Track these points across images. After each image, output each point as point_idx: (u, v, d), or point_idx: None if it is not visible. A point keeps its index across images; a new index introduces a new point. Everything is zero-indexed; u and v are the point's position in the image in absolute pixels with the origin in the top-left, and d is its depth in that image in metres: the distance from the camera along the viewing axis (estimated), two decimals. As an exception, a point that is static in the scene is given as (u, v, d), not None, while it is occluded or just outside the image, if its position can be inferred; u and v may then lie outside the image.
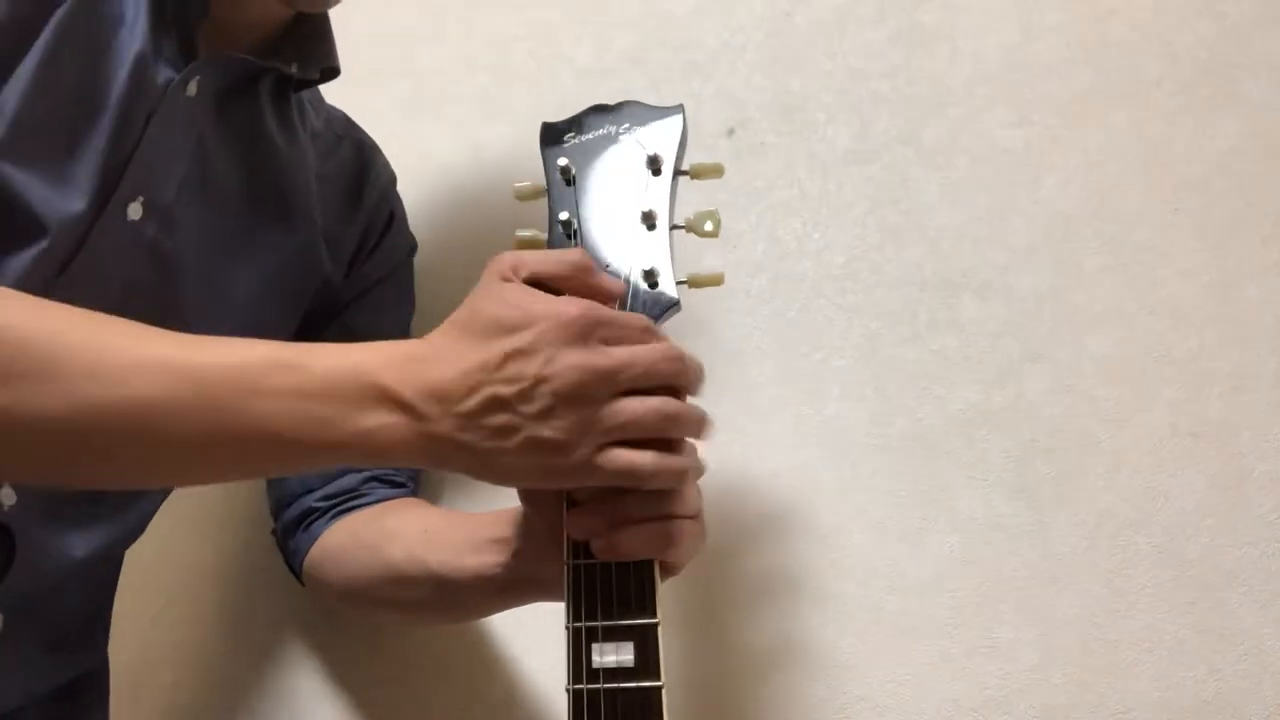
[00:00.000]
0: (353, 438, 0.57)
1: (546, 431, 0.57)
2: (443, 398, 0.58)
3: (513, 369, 0.58)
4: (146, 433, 0.56)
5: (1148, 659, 0.76)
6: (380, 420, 0.58)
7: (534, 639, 0.88)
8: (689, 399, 0.63)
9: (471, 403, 0.58)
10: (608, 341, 0.60)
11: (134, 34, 0.68)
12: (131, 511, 0.78)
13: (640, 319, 0.63)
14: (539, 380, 0.57)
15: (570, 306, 0.59)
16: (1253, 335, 0.79)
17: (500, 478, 0.61)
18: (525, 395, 0.57)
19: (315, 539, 0.85)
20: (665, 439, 0.61)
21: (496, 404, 0.57)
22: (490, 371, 0.58)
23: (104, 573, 0.80)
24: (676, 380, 0.61)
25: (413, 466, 0.61)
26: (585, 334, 0.59)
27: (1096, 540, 0.79)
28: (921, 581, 0.81)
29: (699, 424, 0.62)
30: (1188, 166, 0.83)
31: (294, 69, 0.79)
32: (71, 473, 0.59)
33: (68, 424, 0.54)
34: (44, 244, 0.64)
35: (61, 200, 0.65)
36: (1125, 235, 0.83)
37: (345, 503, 0.86)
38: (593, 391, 0.58)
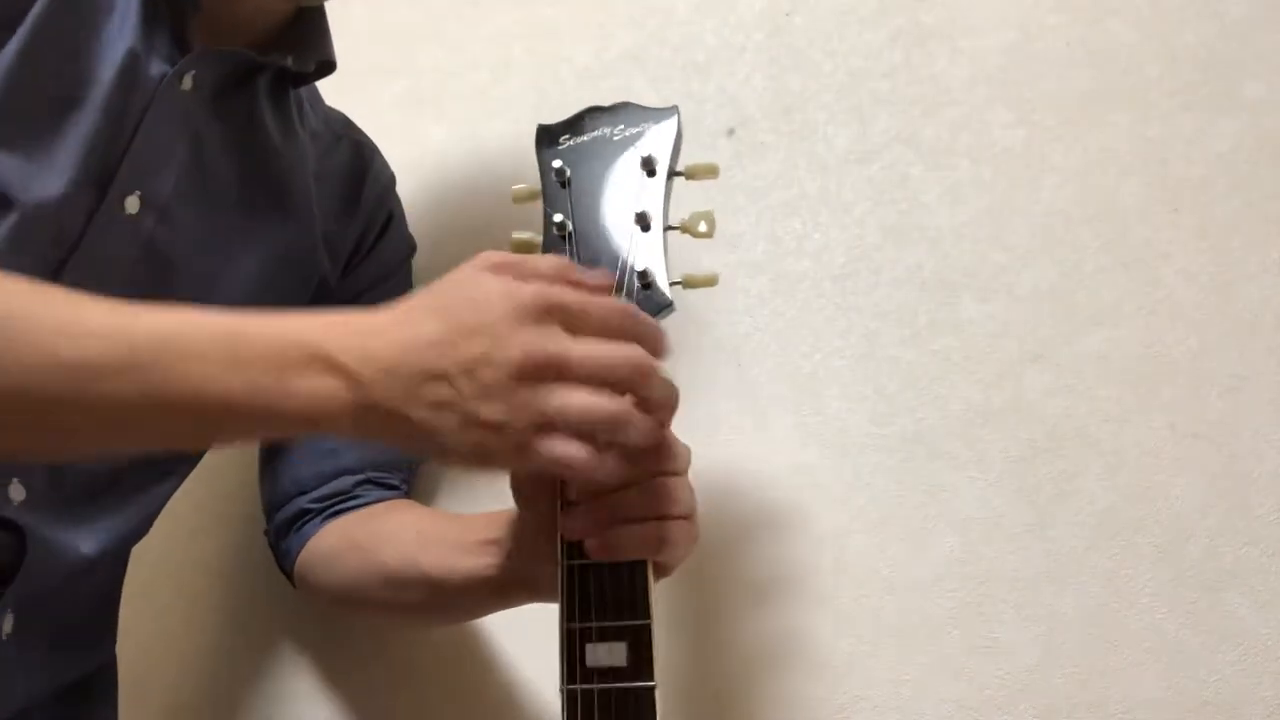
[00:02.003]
0: (288, 403, 0.55)
1: (484, 411, 0.55)
2: (384, 367, 0.56)
3: (461, 346, 0.56)
4: (82, 397, 0.53)
5: (1148, 659, 0.76)
6: (317, 386, 0.55)
7: (531, 640, 0.88)
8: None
9: (413, 375, 0.56)
10: (571, 328, 0.58)
11: (124, 26, 0.68)
12: (137, 507, 0.78)
13: (621, 307, 0.61)
14: (484, 359, 0.56)
15: (526, 288, 0.57)
16: (1253, 335, 0.79)
17: (438, 455, 0.59)
18: (468, 372, 0.55)
19: (306, 540, 0.85)
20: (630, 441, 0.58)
21: (438, 378, 0.56)
22: (437, 346, 0.56)
23: (111, 571, 0.80)
24: (636, 389, 0.59)
25: (350, 436, 0.59)
26: (539, 316, 0.57)
27: (1096, 540, 0.79)
28: (921, 581, 0.81)
29: (648, 433, 0.59)
30: (1188, 166, 0.83)
31: (289, 62, 0.78)
32: (14, 440, 0.56)
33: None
34: (13, 218, 0.63)
35: (37, 184, 0.64)
36: (1125, 235, 0.83)
37: (337, 504, 0.85)
38: (537, 375, 0.56)
